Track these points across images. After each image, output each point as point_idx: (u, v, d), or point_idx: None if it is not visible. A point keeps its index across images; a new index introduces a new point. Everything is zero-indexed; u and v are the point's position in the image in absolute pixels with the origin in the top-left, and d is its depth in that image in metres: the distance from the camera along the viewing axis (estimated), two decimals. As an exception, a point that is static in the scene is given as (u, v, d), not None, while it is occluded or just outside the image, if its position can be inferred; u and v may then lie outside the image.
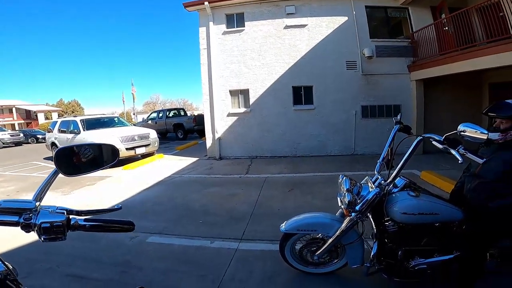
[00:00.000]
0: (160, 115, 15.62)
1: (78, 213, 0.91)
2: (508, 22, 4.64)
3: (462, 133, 1.72)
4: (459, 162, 1.67)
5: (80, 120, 8.77)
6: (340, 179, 2.16)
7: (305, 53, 8.22)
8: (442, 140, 1.79)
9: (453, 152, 1.72)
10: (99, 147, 1.13)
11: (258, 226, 3.62)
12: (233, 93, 8.77)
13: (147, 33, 76.69)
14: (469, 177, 2.01)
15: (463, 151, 1.70)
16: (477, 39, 5.63)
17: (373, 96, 8.08)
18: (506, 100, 1.81)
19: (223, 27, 8.60)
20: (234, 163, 8.08)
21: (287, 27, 8.29)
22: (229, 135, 8.80)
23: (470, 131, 1.68)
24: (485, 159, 1.71)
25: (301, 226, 2.28)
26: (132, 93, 21.53)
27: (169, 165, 8.17)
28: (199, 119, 13.33)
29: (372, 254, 2.05)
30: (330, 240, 2.18)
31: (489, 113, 1.82)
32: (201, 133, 12.47)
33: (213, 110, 8.70)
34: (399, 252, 1.99)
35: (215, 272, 2.63)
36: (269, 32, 8.38)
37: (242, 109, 8.74)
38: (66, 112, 40.18)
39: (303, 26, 8.22)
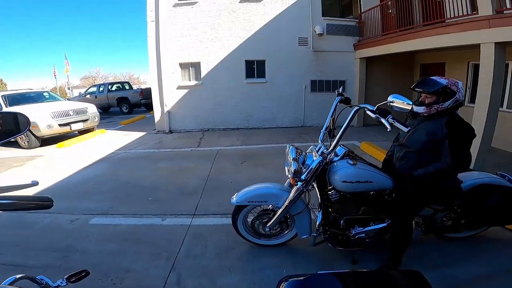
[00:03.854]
0: (101, 89, 14.43)
1: None
2: (444, 8, 5.01)
3: (391, 103, 1.88)
4: (388, 130, 1.83)
5: (2, 96, 7.53)
6: (287, 149, 2.22)
7: (259, 28, 8.20)
8: (374, 109, 1.94)
9: (383, 120, 1.87)
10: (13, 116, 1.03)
11: (211, 200, 3.61)
12: (184, 66, 8.47)
13: (84, 4, 64.57)
14: (397, 146, 2.22)
15: (392, 120, 1.85)
16: (415, 22, 6.05)
17: (322, 72, 8.50)
18: (431, 77, 1.98)
19: (174, -1, 8.02)
20: (185, 136, 7.86)
21: (242, 1, 8.07)
22: (179, 108, 8.55)
23: (397, 101, 1.84)
24: (409, 128, 1.89)
25: (252, 198, 2.31)
26: (65, 67, 18.81)
27: (112, 140, 7.57)
28: (146, 92, 12.62)
29: (317, 223, 2.19)
30: (280, 211, 2.27)
31: (415, 88, 1.98)
32: (149, 107, 11.80)
33: (162, 83, 8.33)
34: (341, 221, 2.16)
35: (169, 250, 2.56)
36: (224, 5, 8.09)
37: (193, 82, 8.52)
38: (-14, 89, 34.16)
39: (259, 1, 8.09)
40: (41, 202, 0.82)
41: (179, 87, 8.45)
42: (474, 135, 1.91)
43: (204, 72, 8.37)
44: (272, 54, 8.29)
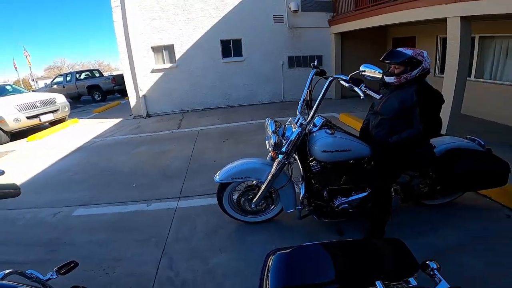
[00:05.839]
0: (68, 78, 13.62)
1: None
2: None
3: (363, 72, 1.92)
4: (361, 98, 1.89)
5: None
6: (266, 122, 2.23)
7: (233, 7, 7.98)
8: (347, 79, 1.98)
9: (356, 89, 1.93)
10: None
11: (196, 181, 3.60)
12: (156, 49, 8.18)
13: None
14: (372, 114, 2.29)
15: (365, 88, 1.91)
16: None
17: (298, 48, 8.50)
18: (397, 48, 2.04)
19: (139, -19, 7.51)
20: (164, 119, 7.72)
21: (213, -20, 7.74)
22: (155, 92, 8.34)
23: (369, 71, 1.88)
24: (382, 95, 1.96)
25: (235, 174, 2.31)
26: (26, 58, 17.28)
27: (87, 129, 7.30)
28: (119, 78, 12.11)
29: (301, 195, 2.25)
30: (264, 186, 2.30)
31: (384, 60, 2.04)
32: (124, 93, 11.33)
33: (134, 68, 8.01)
34: (324, 193, 2.23)
35: (158, 235, 2.55)
36: (194, -15, 7.72)
37: (168, 65, 8.28)
38: None
39: (231, -22, 7.79)
40: (8, 190, 0.79)
41: (154, 71, 8.20)
42: (443, 101, 2.01)
43: (178, 54, 8.14)
44: (248, 32, 8.15)
